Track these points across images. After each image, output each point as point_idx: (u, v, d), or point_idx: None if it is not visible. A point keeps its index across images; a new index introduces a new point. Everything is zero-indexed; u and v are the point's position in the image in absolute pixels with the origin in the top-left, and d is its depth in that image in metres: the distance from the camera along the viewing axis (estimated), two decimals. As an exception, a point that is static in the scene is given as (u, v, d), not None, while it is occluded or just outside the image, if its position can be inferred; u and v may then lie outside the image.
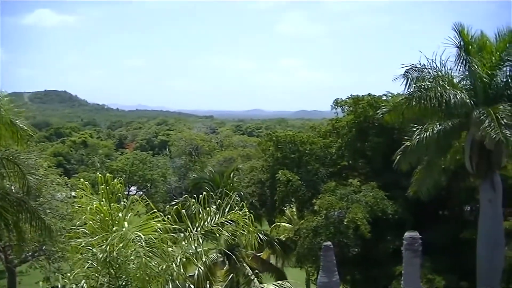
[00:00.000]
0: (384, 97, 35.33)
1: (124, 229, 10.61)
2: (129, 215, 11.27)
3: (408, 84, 22.84)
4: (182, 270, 12.13)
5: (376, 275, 31.55)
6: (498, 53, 22.25)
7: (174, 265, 11.56)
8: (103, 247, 10.60)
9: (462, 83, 22.90)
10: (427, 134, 22.34)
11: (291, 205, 39.94)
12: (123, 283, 11.16)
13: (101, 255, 10.66)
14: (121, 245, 10.51)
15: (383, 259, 30.89)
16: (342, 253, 29.78)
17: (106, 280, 11.16)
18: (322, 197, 31.92)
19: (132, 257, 10.98)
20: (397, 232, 28.44)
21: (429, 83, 22.37)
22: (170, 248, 11.89)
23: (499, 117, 20.02)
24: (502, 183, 23.52)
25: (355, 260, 31.84)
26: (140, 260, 10.58)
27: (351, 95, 36.57)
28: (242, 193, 33.17)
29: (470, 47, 22.37)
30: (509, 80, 22.47)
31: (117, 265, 11.10)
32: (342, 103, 36.84)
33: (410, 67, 22.94)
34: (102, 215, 11.31)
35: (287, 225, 41.16)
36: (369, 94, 35.55)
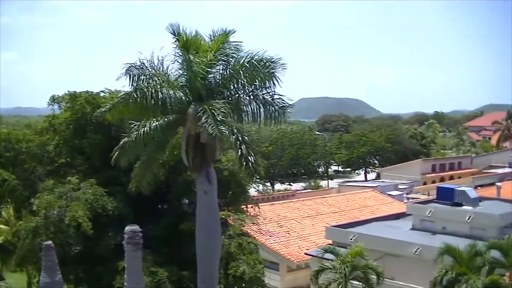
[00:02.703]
0: (102, 94, 35.20)
1: None
2: None
3: (131, 82, 23.07)
4: None
5: (100, 272, 31.44)
6: (212, 52, 23.27)
7: None
8: None
9: (179, 80, 23.56)
10: (145, 130, 22.65)
11: (7, 205, 38.13)
12: None
13: None
14: None
15: (106, 255, 30.86)
16: (64, 252, 29.20)
17: None
18: (41, 196, 30.95)
19: None
20: (118, 227, 28.56)
21: (146, 81, 22.81)
22: None
23: (215, 113, 20.98)
24: (217, 175, 24.64)
25: (78, 258, 31.41)
26: None
27: (68, 91, 35.73)
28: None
29: (186, 46, 23.10)
30: (223, 78, 23.64)
31: None
32: (59, 99, 35.86)
33: (131, 65, 23.15)
34: None
35: (3, 227, 39.31)
36: (87, 91, 35.07)
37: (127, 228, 21.77)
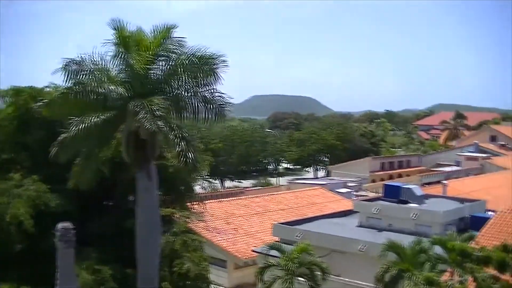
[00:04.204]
0: (48, 89, 34.74)
1: None
2: None
3: (68, 78, 22.87)
4: None
5: (44, 271, 30.92)
6: (154, 48, 23.28)
7: None
8: None
9: (119, 76, 23.49)
10: (85, 125, 22.49)
11: None
12: None
13: None
14: None
15: (50, 254, 30.39)
16: (6, 251, 28.70)
17: None
18: (-19, 194, 30.34)
19: None
20: (62, 225, 28.26)
21: (87, 77, 22.69)
22: None
23: (154, 109, 21.01)
24: (162, 172, 24.63)
25: (20, 257, 30.82)
26: None
27: (12, 86, 35.18)
28: None
29: (127, 42, 23.07)
30: (165, 75, 23.65)
31: None
32: (3, 93, 35.27)
33: (70, 60, 23.00)
34: None
35: None
36: (31, 86, 34.59)
37: (59, 225, 21.58)
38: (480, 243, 28.20)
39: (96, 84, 22.08)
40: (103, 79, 22.60)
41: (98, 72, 22.95)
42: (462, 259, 16.77)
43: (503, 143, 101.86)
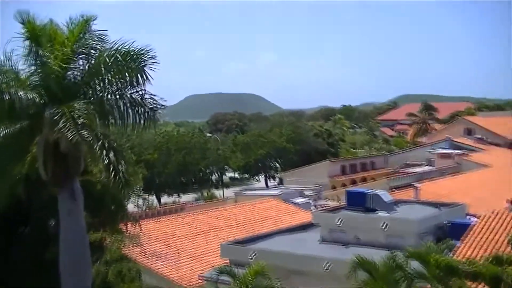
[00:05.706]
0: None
1: None
2: None
3: None
4: None
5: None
6: (70, 44, 22.86)
7: None
8: None
9: (32, 79, 22.95)
10: None
11: None
12: None
13: None
14: None
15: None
16: None
17: None
18: None
19: None
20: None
21: None
22: None
23: (75, 116, 20.59)
24: (89, 189, 24.19)
25: None
26: None
27: None
28: None
29: (40, 38, 22.54)
30: (86, 75, 23.20)
31: None
32: None
33: None
34: None
35: None
36: None
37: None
38: (463, 254, 28.48)
39: (1, 89, 21.49)
40: (10, 83, 21.99)
41: (4, 75, 22.35)
42: (446, 275, 16.73)
43: (480, 136, 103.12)
